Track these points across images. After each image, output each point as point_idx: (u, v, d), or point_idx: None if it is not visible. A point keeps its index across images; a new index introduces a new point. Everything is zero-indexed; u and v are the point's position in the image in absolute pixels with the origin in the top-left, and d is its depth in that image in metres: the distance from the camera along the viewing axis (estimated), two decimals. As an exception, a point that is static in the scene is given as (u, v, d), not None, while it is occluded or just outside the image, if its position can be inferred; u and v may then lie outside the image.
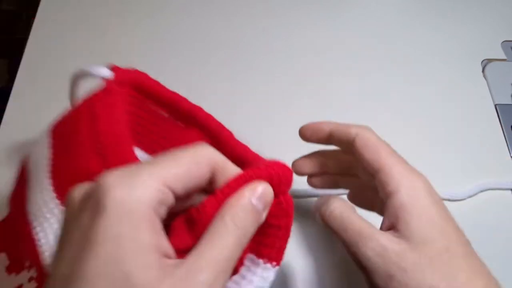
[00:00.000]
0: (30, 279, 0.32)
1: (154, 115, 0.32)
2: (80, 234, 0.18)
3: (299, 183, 0.34)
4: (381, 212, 0.28)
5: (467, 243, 0.27)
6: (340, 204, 0.28)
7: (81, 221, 0.19)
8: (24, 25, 1.32)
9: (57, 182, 0.29)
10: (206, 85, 0.51)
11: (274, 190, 0.23)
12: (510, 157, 0.48)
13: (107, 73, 0.32)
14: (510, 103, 0.51)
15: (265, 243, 0.24)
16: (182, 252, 0.20)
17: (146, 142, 0.31)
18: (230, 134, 0.31)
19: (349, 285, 0.39)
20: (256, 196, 0.22)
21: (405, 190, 0.26)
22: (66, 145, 0.29)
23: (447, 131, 0.49)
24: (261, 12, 0.57)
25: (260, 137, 0.48)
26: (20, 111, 0.49)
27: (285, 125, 0.49)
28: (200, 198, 0.22)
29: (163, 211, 0.20)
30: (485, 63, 0.54)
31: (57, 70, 0.52)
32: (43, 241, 0.28)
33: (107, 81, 0.31)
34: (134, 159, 0.28)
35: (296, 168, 0.34)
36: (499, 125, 0.50)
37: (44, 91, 0.50)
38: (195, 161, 0.21)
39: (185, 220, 0.21)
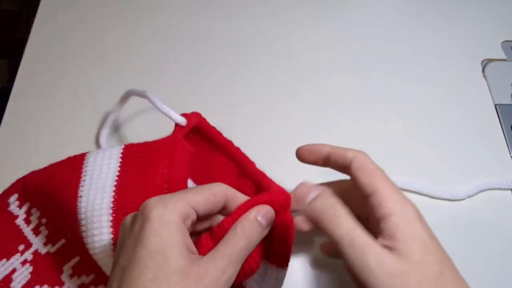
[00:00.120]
0: (23, 263, 0.36)
1: (203, 151, 0.41)
2: (133, 237, 0.26)
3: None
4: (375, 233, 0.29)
5: (455, 269, 0.29)
6: (343, 213, 0.30)
7: (133, 230, 0.27)
8: (24, 25, 1.31)
9: (118, 198, 0.35)
10: (206, 85, 0.51)
11: (275, 210, 0.30)
12: (510, 157, 0.48)
13: (182, 121, 0.39)
14: (510, 103, 0.51)
15: (275, 252, 0.31)
16: None
17: (195, 173, 0.40)
18: (252, 163, 0.41)
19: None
20: (261, 214, 0.29)
21: (399, 213, 0.28)
22: (137, 173, 0.36)
23: (447, 131, 0.49)
24: (261, 12, 0.57)
25: (260, 137, 0.48)
26: (20, 111, 0.49)
27: (285, 125, 0.49)
28: (218, 220, 0.31)
29: (189, 223, 0.28)
30: (485, 63, 0.54)
31: (57, 70, 0.52)
32: (89, 239, 0.34)
33: (183, 129, 0.39)
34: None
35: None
36: (499, 125, 0.50)
37: (44, 91, 0.50)
38: (213, 193, 0.29)
39: (210, 234, 0.29)
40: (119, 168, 0.36)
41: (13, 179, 0.44)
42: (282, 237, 0.31)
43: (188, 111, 0.49)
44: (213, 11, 0.57)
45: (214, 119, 0.49)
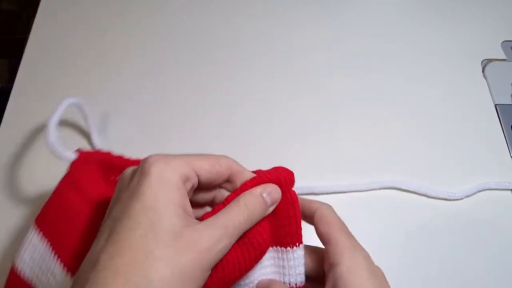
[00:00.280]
0: None
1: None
2: (130, 191, 0.26)
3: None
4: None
5: None
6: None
7: (131, 183, 0.26)
8: (24, 25, 1.31)
9: (61, 252, 0.34)
10: (206, 85, 0.51)
11: (281, 189, 0.30)
12: (510, 157, 0.48)
13: (72, 156, 0.37)
14: (510, 103, 0.51)
15: (284, 234, 0.31)
16: None
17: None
18: None
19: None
20: (267, 192, 0.29)
21: (345, 263, 0.28)
22: (60, 225, 0.35)
23: (447, 131, 0.49)
24: (261, 12, 0.57)
25: (260, 137, 0.48)
26: (20, 111, 0.49)
27: (285, 125, 0.49)
28: (221, 194, 0.30)
29: (189, 186, 0.27)
30: (485, 63, 0.54)
31: (57, 70, 0.52)
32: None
33: (72, 163, 0.36)
34: None
35: None
36: (499, 125, 0.50)
37: (44, 91, 0.50)
38: (218, 162, 0.29)
39: (214, 209, 0.28)
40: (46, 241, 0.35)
41: (13, 179, 0.44)
42: (289, 215, 0.30)
43: (188, 111, 0.49)
44: (213, 11, 0.57)
45: (214, 119, 0.49)
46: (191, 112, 0.49)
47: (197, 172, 0.28)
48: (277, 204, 0.30)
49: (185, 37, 0.55)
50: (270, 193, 0.29)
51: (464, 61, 0.54)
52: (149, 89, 0.51)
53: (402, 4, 0.59)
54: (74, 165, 0.36)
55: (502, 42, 0.56)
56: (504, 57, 0.55)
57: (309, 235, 0.31)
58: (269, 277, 0.31)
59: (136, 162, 0.34)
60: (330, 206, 0.32)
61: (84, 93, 0.50)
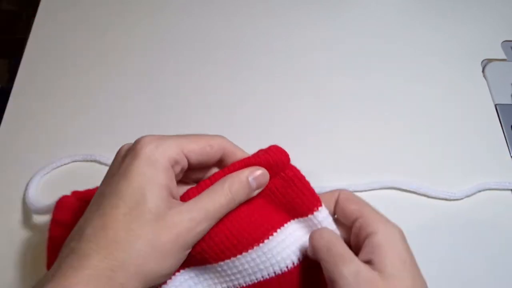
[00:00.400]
0: None
1: None
2: (121, 170, 0.27)
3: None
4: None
5: (426, 286, 0.29)
6: (329, 231, 0.31)
7: (124, 161, 0.28)
8: (24, 25, 1.31)
9: None
10: (206, 85, 0.51)
11: (274, 171, 0.30)
12: (510, 157, 0.48)
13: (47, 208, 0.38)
14: (510, 103, 0.51)
15: (298, 206, 0.31)
16: None
17: None
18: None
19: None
20: (253, 176, 0.30)
21: (382, 232, 0.29)
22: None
23: (447, 131, 0.49)
24: (261, 12, 0.57)
25: (260, 137, 0.48)
26: (20, 111, 0.49)
27: (285, 125, 0.49)
28: (213, 172, 0.31)
29: (178, 169, 0.28)
30: (485, 63, 0.54)
31: (57, 70, 0.52)
32: None
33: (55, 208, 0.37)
34: None
35: None
36: (499, 125, 0.50)
37: (44, 91, 0.50)
38: (209, 144, 0.29)
39: (200, 185, 0.29)
40: None
41: (13, 179, 0.44)
42: (293, 189, 0.31)
43: (188, 111, 0.49)
44: (213, 11, 0.57)
45: (214, 119, 0.49)
46: (191, 112, 0.49)
47: (187, 155, 0.29)
48: (262, 188, 0.30)
49: (185, 37, 0.55)
50: (257, 177, 0.30)
51: (464, 61, 0.54)
52: (149, 89, 0.51)
53: (402, 4, 0.59)
54: (56, 208, 0.37)
55: (502, 42, 0.56)
56: (504, 57, 0.55)
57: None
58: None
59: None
60: (349, 191, 0.33)
61: (84, 93, 0.50)
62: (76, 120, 0.48)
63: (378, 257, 0.28)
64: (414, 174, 0.46)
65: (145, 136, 0.29)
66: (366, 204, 0.31)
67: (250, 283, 0.31)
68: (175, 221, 0.26)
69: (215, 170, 0.31)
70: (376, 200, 0.44)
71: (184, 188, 0.30)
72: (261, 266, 0.30)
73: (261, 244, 0.30)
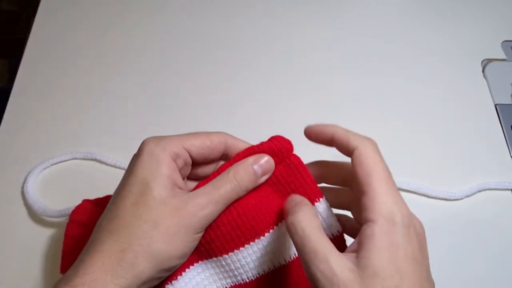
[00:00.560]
0: None
1: None
2: (129, 168, 0.30)
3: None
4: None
5: (425, 285, 0.26)
6: (305, 218, 0.28)
7: (131, 162, 0.30)
8: (24, 25, 1.32)
9: None
10: (206, 85, 0.51)
11: (278, 158, 0.31)
12: (510, 157, 0.48)
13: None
14: (510, 103, 0.51)
15: (300, 195, 0.31)
16: None
17: None
18: None
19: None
20: (258, 163, 0.30)
21: (381, 222, 0.26)
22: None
23: (447, 131, 0.49)
24: (261, 12, 0.57)
25: (260, 137, 0.48)
26: (20, 111, 0.49)
27: (285, 125, 0.49)
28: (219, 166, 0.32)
29: (180, 162, 0.30)
30: (485, 63, 0.54)
31: (57, 70, 0.52)
32: None
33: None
34: None
35: None
36: (499, 125, 0.50)
37: (44, 91, 0.50)
38: (209, 138, 0.31)
39: (208, 178, 0.30)
40: None
41: (13, 178, 0.44)
42: (296, 179, 0.31)
43: (188, 111, 0.49)
44: (213, 11, 0.57)
45: (214, 119, 0.49)
46: (191, 112, 0.49)
47: (188, 149, 0.30)
48: (270, 173, 0.31)
49: (185, 37, 0.55)
50: (262, 164, 0.30)
51: (464, 61, 0.54)
52: (149, 89, 0.51)
53: (402, 4, 0.59)
54: (73, 212, 0.38)
55: (502, 42, 0.56)
56: (504, 57, 0.55)
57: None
58: None
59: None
60: (372, 143, 0.30)
61: (84, 93, 0.50)
62: (76, 120, 0.48)
63: (365, 252, 0.26)
64: (414, 174, 0.46)
65: (147, 138, 0.30)
66: (379, 175, 0.28)
67: (252, 278, 0.31)
68: (179, 206, 0.28)
69: (222, 163, 0.32)
70: (376, 200, 0.45)
71: (194, 185, 0.31)
72: (266, 258, 0.30)
73: (262, 237, 0.30)
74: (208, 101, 0.50)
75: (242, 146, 0.32)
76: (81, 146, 0.46)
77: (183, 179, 0.31)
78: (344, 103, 0.51)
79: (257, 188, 0.31)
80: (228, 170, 0.30)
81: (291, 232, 0.28)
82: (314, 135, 0.33)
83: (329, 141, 0.32)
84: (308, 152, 0.44)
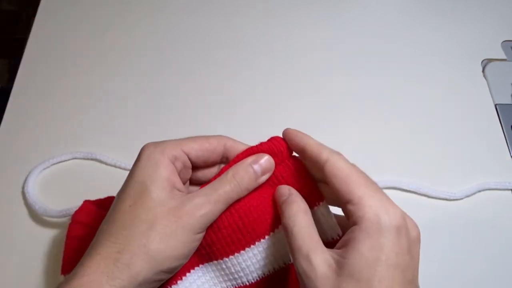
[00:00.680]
0: None
1: None
2: (130, 172, 0.30)
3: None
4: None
5: None
6: (295, 213, 0.29)
7: (133, 166, 0.30)
8: (24, 25, 1.32)
9: None
10: (206, 85, 0.51)
11: (278, 159, 0.31)
12: (510, 157, 0.48)
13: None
14: (510, 103, 0.51)
15: (303, 196, 0.30)
16: None
17: None
18: None
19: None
20: (257, 163, 0.30)
21: (365, 224, 0.26)
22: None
23: (447, 131, 0.49)
24: (261, 12, 0.57)
25: (260, 137, 0.48)
26: (20, 111, 0.49)
27: (285, 125, 0.49)
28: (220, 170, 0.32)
29: (179, 165, 0.30)
30: (485, 63, 0.54)
31: (57, 70, 0.52)
32: None
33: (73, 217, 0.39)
34: None
35: None
36: (499, 125, 0.50)
37: (44, 91, 0.50)
38: (208, 141, 0.31)
39: (210, 180, 0.30)
40: None
41: (13, 179, 0.44)
42: (296, 180, 0.31)
43: (188, 111, 0.49)
44: (213, 11, 0.57)
45: (214, 119, 0.49)
46: (191, 112, 0.49)
47: (187, 152, 0.30)
48: (270, 173, 0.31)
49: (185, 37, 0.55)
50: (261, 163, 0.30)
51: (464, 61, 0.54)
52: (149, 89, 0.51)
53: (402, 4, 0.59)
54: (76, 213, 0.38)
55: (502, 42, 0.56)
56: (504, 57, 0.55)
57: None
58: None
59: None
60: (341, 154, 0.30)
61: (84, 93, 0.50)
62: (76, 120, 0.48)
63: (346, 253, 0.26)
64: (414, 174, 0.46)
65: (146, 143, 0.31)
66: (357, 181, 0.28)
67: (253, 281, 0.31)
68: (177, 206, 0.28)
69: (223, 166, 0.32)
70: (376, 200, 0.45)
71: (196, 189, 0.31)
72: (267, 261, 0.30)
73: (262, 240, 0.30)
74: (208, 101, 0.50)
75: (242, 148, 0.32)
76: (81, 146, 0.46)
77: (184, 183, 0.32)
78: (344, 103, 0.51)
79: (258, 190, 0.31)
80: (228, 171, 0.30)
81: (283, 224, 0.29)
82: (288, 141, 0.32)
83: (301, 151, 0.32)
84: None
